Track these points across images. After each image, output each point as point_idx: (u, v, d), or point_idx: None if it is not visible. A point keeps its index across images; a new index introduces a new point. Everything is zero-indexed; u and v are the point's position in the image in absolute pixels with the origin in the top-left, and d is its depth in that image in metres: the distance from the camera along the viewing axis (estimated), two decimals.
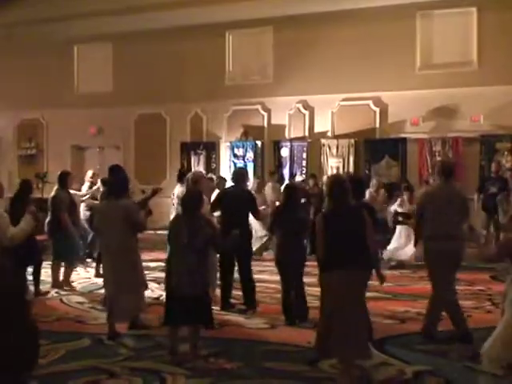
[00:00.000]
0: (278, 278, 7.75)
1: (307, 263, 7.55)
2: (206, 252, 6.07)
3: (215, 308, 7.39)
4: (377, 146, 15.76)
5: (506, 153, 14.56)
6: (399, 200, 11.75)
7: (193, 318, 5.93)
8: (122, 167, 9.44)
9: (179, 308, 5.89)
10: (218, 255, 7.90)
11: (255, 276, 8.49)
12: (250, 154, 16.94)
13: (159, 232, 12.97)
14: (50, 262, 9.77)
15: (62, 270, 9.82)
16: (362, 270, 5.25)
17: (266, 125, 17.12)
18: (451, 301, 6.57)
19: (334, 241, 5.19)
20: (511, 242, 5.25)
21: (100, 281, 10.08)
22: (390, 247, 11.46)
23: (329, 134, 16.45)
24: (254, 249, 9.75)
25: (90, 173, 12.67)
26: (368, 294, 6.27)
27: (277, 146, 16.82)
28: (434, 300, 6.65)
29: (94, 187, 11.81)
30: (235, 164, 16.88)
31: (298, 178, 15.05)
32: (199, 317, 5.97)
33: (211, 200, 8.57)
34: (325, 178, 13.54)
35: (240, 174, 8.76)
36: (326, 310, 5.29)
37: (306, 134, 16.72)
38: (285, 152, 16.70)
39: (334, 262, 5.17)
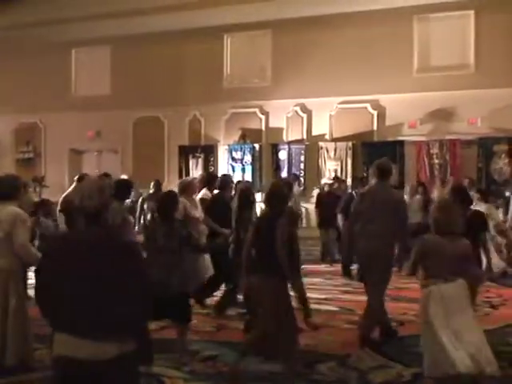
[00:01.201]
0: None
1: None
2: (181, 253, 6.18)
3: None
4: (375, 149, 15.74)
5: (503, 155, 14.58)
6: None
7: (169, 315, 6.02)
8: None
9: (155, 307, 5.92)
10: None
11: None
12: (248, 157, 16.94)
13: None
14: None
15: None
16: (269, 276, 5.20)
17: (264, 128, 17.13)
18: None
19: (252, 246, 5.43)
20: None
21: None
22: None
23: (327, 136, 16.47)
24: None
25: None
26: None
27: (275, 149, 16.82)
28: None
29: None
30: (233, 167, 16.89)
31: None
32: (175, 314, 6.05)
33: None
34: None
35: (224, 181, 8.88)
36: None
37: (304, 136, 16.73)
38: (283, 155, 16.71)
39: (252, 266, 5.40)
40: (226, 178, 9.36)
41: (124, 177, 12.05)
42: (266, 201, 5.54)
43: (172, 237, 6.08)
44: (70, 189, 10.83)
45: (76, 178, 10.59)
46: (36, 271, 3.39)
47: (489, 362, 4.91)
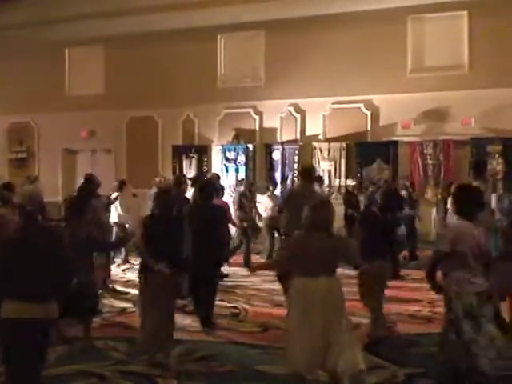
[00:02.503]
0: (270, 281, 7.74)
1: None
2: (87, 253, 6.73)
3: None
4: (368, 149, 15.78)
5: (496, 155, 14.61)
6: None
7: (79, 312, 6.53)
8: None
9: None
10: None
11: (244, 279, 8.48)
12: (242, 158, 16.91)
13: None
14: None
15: None
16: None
17: (257, 128, 17.11)
18: None
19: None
20: None
21: None
22: None
23: (320, 137, 16.46)
24: None
25: None
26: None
27: (268, 150, 16.80)
28: None
29: None
30: (227, 167, 16.87)
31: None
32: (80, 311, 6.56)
33: None
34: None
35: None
36: None
37: (298, 137, 16.71)
38: (276, 155, 16.69)
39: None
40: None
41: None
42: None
43: (76, 237, 6.48)
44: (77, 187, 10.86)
45: (83, 177, 10.70)
46: None
47: (350, 363, 4.90)
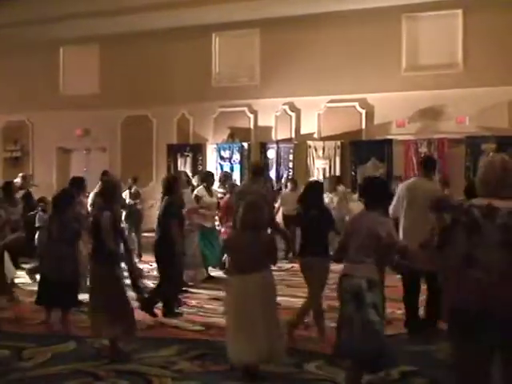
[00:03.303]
0: None
1: None
2: (73, 244, 7.33)
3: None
4: (363, 148, 15.80)
5: (491, 154, 14.61)
6: None
7: (60, 301, 7.14)
8: None
9: (49, 291, 7.20)
10: None
11: None
12: (237, 156, 16.92)
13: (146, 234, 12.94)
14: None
15: None
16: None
17: (252, 127, 17.12)
18: None
19: None
20: None
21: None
22: None
23: (315, 135, 16.47)
24: None
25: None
26: None
27: (263, 148, 16.81)
28: None
29: None
30: (222, 166, 16.87)
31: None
32: (65, 300, 7.17)
33: None
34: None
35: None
36: None
37: (293, 135, 16.73)
38: (271, 154, 16.70)
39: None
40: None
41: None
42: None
43: (64, 229, 7.13)
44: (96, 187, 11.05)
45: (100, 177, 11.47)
46: None
47: (274, 355, 5.38)
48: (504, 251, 3.56)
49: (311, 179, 13.19)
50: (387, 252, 5.05)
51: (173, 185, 8.19)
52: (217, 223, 11.13)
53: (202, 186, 10.92)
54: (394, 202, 7.16)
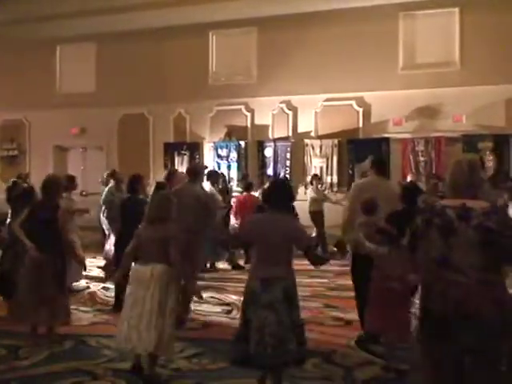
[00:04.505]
0: None
1: None
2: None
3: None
4: (360, 146, 15.78)
5: (487, 152, 14.66)
6: None
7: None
8: None
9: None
10: None
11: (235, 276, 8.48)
12: (234, 155, 16.91)
13: None
14: None
15: None
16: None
17: (249, 125, 17.09)
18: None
19: None
20: None
21: (83, 282, 10.08)
22: None
23: (312, 134, 16.47)
24: None
25: None
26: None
27: (260, 147, 16.80)
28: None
29: None
30: (219, 164, 16.86)
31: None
32: None
33: None
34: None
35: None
36: None
37: (290, 134, 16.71)
38: (268, 152, 16.69)
39: None
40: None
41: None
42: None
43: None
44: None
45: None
46: None
47: (148, 343, 5.46)
48: (480, 252, 3.54)
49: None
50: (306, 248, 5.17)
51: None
52: None
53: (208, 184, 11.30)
54: (348, 204, 7.09)
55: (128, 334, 5.51)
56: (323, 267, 11.13)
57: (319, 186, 14.63)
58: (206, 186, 10.78)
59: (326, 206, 13.79)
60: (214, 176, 12.07)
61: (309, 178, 15.23)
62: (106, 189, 11.26)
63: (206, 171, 10.90)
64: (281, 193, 5.43)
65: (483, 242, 3.53)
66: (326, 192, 15.10)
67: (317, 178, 14.72)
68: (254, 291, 5.03)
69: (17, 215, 7.31)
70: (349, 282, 7.18)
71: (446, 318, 3.58)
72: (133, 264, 5.89)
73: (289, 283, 5.07)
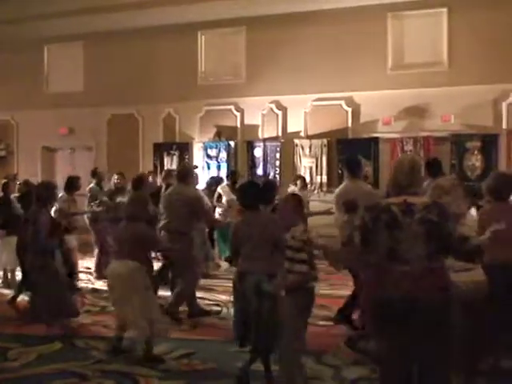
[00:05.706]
0: None
1: None
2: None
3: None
4: (349, 146, 15.79)
5: (475, 152, 14.73)
6: None
7: None
8: None
9: None
10: None
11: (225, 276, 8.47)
12: (224, 155, 16.89)
13: None
14: None
15: None
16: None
17: (239, 125, 17.08)
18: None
19: None
20: None
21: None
22: None
23: (302, 134, 16.48)
24: None
25: None
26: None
27: (250, 146, 16.79)
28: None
29: None
30: (208, 164, 16.85)
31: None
32: None
33: None
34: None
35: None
36: None
37: (280, 134, 16.72)
38: (258, 152, 16.68)
39: None
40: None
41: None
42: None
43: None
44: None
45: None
46: None
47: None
48: (424, 243, 3.87)
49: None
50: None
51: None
52: None
53: (225, 184, 11.97)
54: (336, 213, 7.37)
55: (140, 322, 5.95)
56: None
57: (303, 188, 13.73)
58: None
59: (312, 206, 13.49)
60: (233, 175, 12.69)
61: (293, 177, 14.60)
62: (87, 188, 11.39)
63: (195, 171, 10.92)
64: (249, 194, 5.73)
65: (425, 234, 3.86)
66: (311, 196, 14.55)
67: (301, 178, 14.02)
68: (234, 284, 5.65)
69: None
70: (338, 281, 7.20)
71: (397, 306, 3.85)
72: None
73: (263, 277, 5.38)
